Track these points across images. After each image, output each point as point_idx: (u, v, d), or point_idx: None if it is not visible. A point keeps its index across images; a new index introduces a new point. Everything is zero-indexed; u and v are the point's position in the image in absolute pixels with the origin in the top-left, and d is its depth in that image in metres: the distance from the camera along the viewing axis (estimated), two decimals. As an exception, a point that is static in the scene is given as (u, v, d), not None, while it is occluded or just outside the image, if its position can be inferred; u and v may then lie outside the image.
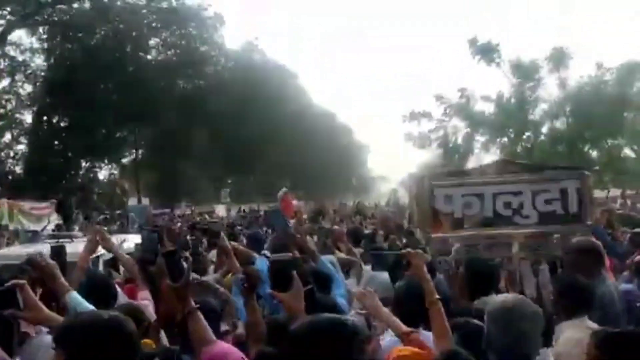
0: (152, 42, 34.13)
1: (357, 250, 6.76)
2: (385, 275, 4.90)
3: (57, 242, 7.53)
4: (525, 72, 20.91)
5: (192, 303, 2.66)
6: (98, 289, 3.68)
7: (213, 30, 34.80)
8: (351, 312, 4.09)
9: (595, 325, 3.60)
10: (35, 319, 2.72)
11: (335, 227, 8.54)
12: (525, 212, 5.60)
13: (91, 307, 2.95)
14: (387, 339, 3.47)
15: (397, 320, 3.29)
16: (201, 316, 2.66)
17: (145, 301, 3.87)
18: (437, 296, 3.19)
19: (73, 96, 29.10)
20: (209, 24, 34.34)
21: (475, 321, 3.37)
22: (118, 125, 33.21)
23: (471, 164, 26.59)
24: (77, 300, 2.95)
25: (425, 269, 3.32)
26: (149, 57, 33.87)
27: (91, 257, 6.18)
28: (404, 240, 7.84)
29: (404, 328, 3.21)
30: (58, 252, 4.28)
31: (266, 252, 5.12)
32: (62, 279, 3.03)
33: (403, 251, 3.43)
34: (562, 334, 3.68)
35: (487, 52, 20.62)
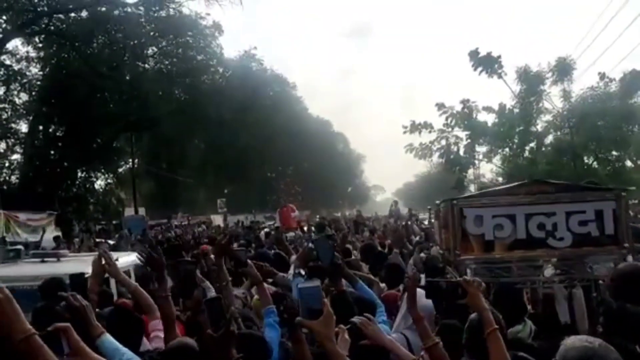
0: (149, 51, 33.89)
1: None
2: (430, 305, 4.67)
3: (43, 260, 7.24)
4: (529, 83, 20.81)
5: (235, 354, 2.48)
6: (127, 324, 3.42)
7: (211, 39, 34.67)
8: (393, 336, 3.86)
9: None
10: None
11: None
12: (559, 234, 5.38)
13: (127, 352, 2.72)
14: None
15: (402, 349, 3.21)
16: None
17: (157, 332, 3.61)
18: (497, 325, 3.04)
19: (69, 105, 28.83)
20: (207, 33, 34.21)
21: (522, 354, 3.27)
22: (114, 134, 32.98)
23: (472, 175, 26.67)
24: (112, 345, 2.72)
25: (482, 297, 3.17)
26: (146, 66, 33.59)
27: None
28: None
29: (411, 357, 3.14)
30: (80, 283, 3.91)
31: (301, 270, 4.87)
32: (95, 321, 2.79)
33: (459, 279, 3.24)
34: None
35: (488, 63, 20.49)
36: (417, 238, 11.28)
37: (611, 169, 20.98)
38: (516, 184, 5.92)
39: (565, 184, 5.91)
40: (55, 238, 17.01)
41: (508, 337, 3.88)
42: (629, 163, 23.21)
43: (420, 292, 4.61)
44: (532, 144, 22.41)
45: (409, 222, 15.34)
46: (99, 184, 36.56)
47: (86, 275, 4.07)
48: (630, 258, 5.35)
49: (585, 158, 21.89)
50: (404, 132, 21.05)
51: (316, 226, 14.20)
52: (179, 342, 3.04)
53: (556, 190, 5.56)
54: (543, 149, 22.26)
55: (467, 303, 3.22)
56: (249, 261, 4.46)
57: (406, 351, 3.20)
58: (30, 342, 1.97)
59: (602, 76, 21.49)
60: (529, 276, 5.57)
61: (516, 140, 21.90)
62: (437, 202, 6.53)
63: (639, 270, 4.34)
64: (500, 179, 25.19)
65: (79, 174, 33.25)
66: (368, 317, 3.32)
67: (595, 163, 21.55)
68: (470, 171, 25.24)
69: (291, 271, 5.17)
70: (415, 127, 21.12)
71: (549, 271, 5.56)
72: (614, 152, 21.83)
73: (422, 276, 6.30)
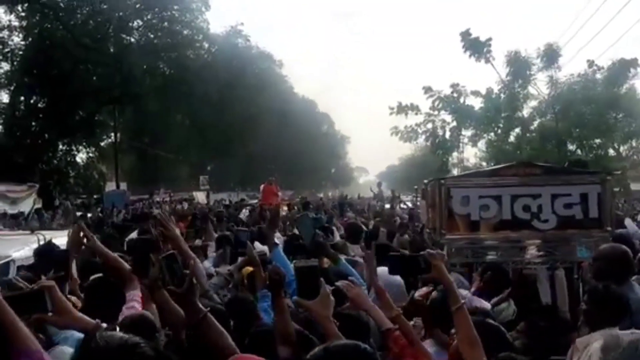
0: (134, 24, 33.43)
1: (356, 248, 6.55)
2: (400, 280, 4.71)
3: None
4: (517, 68, 20.85)
5: (202, 308, 2.44)
6: (108, 293, 3.40)
7: (198, 14, 34.24)
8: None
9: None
10: (65, 323, 2.51)
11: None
12: (544, 216, 5.43)
13: None
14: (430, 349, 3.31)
15: (383, 315, 3.16)
16: (216, 322, 2.44)
17: (134, 303, 3.56)
18: (463, 300, 2.92)
19: (51, 76, 28.40)
20: (193, 8, 33.79)
21: (491, 321, 3.28)
22: (97, 107, 32.61)
23: (455, 159, 26.81)
24: None
25: (446, 271, 3.04)
26: (131, 39, 33.14)
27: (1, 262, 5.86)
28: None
29: (389, 324, 3.08)
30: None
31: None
32: None
33: (422, 252, 3.09)
34: (595, 342, 3.50)
35: (477, 47, 20.46)
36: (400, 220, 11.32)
37: (593, 156, 21.15)
38: (503, 165, 5.97)
39: (552, 167, 5.96)
40: (37, 210, 16.82)
41: (493, 316, 3.94)
42: (611, 151, 23.45)
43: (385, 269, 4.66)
44: (517, 130, 22.51)
45: (394, 205, 15.45)
46: (81, 157, 36.23)
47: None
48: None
49: (569, 144, 22.05)
50: (391, 114, 20.98)
51: (300, 205, 14.16)
52: (140, 314, 3.03)
53: (543, 173, 5.60)
54: (528, 134, 22.36)
55: (433, 277, 3.09)
56: (248, 244, 4.48)
57: (385, 317, 3.13)
58: None
59: (591, 64, 21.59)
60: (513, 257, 5.66)
61: (501, 125, 21.98)
62: (425, 181, 6.55)
63: (620, 251, 4.41)
64: (484, 163, 25.32)
65: (60, 147, 32.86)
66: (352, 281, 3.34)
67: (579, 150, 21.73)
68: (455, 154, 25.31)
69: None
70: (401, 109, 21.04)
71: (532, 252, 5.63)
72: (597, 140, 22.02)
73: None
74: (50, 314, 2.40)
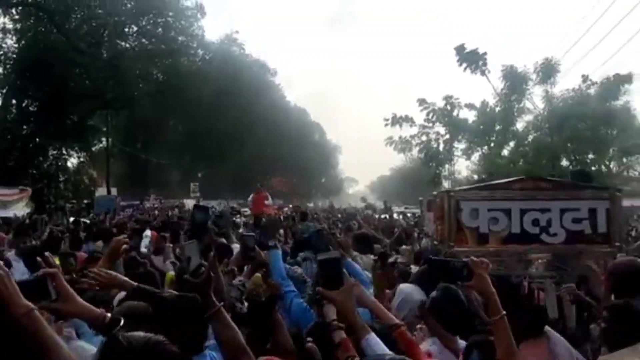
0: (129, 29, 33.35)
1: (365, 258, 6.52)
2: (418, 295, 4.66)
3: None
4: (513, 82, 20.99)
5: (216, 302, 2.47)
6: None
7: (193, 20, 34.24)
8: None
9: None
10: (70, 311, 2.40)
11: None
12: (553, 230, 5.45)
13: None
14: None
15: (385, 310, 3.15)
16: (229, 317, 2.50)
17: None
18: (504, 312, 2.85)
19: (44, 80, 28.22)
20: (188, 14, 33.78)
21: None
22: (90, 112, 32.43)
23: (447, 171, 26.88)
24: None
25: (489, 280, 2.95)
26: (125, 44, 33.06)
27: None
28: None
29: (393, 320, 3.05)
30: None
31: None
32: None
33: (466, 259, 3.01)
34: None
35: (473, 59, 20.57)
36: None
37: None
38: (513, 179, 5.98)
39: (561, 181, 5.99)
40: (30, 215, 16.49)
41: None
42: (604, 168, 23.56)
43: (412, 288, 4.64)
44: (512, 143, 22.63)
45: (387, 215, 15.45)
46: (72, 161, 35.95)
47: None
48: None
49: (563, 159, 22.17)
50: (385, 125, 21.08)
51: (299, 215, 14.09)
52: (133, 304, 3.01)
53: (552, 187, 5.62)
54: (521, 149, 22.47)
55: (474, 286, 3.01)
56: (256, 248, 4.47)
57: (390, 315, 3.12)
58: (31, 316, 1.97)
59: (585, 78, 21.77)
60: (519, 270, 5.66)
61: (495, 139, 22.10)
62: (434, 193, 6.55)
63: (636, 265, 4.41)
64: (475, 176, 25.41)
65: (51, 151, 32.61)
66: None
67: (571, 165, 21.84)
68: (447, 167, 25.38)
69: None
70: (396, 120, 21.14)
71: (539, 266, 5.63)
72: (591, 155, 22.15)
73: (413, 266, 6.33)
74: (53, 302, 2.30)
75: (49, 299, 2.27)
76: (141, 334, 1.86)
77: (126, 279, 3.22)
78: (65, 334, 3.04)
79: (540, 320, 4.07)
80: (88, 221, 15.47)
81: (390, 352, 2.62)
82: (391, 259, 5.83)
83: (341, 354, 2.66)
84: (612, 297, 4.25)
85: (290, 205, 28.65)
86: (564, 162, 21.99)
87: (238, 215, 16.34)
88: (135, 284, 3.27)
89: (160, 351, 1.79)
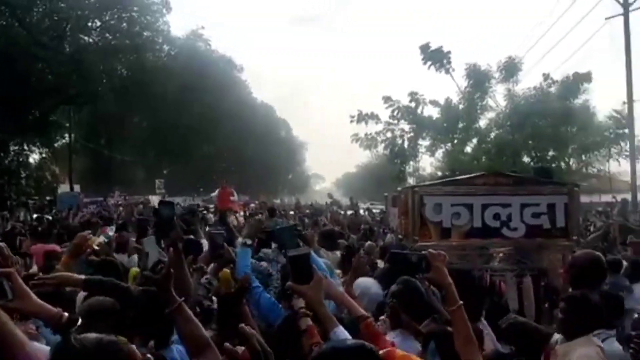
0: (92, 24, 32.78)
1: (332, 254, 6.59)
2: (376, 289, 4.76)
3: None
4: (477, 80, 21.32)
5: (177, 297, 2.46)
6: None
7: (159, 16, 33.83)
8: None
9: (599, 342, 3.60)
10: (27, 309, 2.40)
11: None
12: (514, 225, 5.62)
13: None
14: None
15: (354, 303, 3.17)
16: (190, 312, 2.48)
17: None
18: (460, 302, 2.94)
19: (5, 74, 27.57)
20: (154, 10, 33.37)
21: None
22: (52, 107, 31.79)
23: (412, 167, 27.16)
24: None
25: (446, 272, 3.01)
26: (89, 39, 32.49)
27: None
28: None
29: (361, 312, 3.04)
30: None
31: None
32: None
33: (424, 252, 3.09)
34: (574, 352, 3.62)
35: (437, 58, 20.85)
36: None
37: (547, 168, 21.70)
38: (475, 174, 6.12)
39: (522, 177, 6.15)
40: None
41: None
42: (563, 165, 24.11)
43: (369, 281, 4.74)
44: (475, 140, 22.99)
45: (354, 211, 15.58)
46: (34, 157, 35.25)
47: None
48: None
49: (524, 156, 22.61)
50: (351, 122, 21.26)
51: (267, 211, 14.08)
52: (97, 300, 3.04)
53: (513, 183, 5.79)
54: (484, 145, 22.84)
55: (431, 277, 3.10)
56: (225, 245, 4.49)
57: (357, 306, 3.12)
58: None
59: (546, 77, 22.21)
60: (480, 263, 5.81)
61: (459, 136, 22.43)
62: (398, 189, 6.67)
63: (594, 259, 4.57)
64: (439, 173, 25.73)
65: (12, 147, 31.91)
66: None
67: (532, 162, 22.27)
68: (412, 163, 25.66)
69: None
70: (362, 118, 21.32)
71: (498, 259, 5.79)
72: (551, 152, 22.64)
73: (379, 261, 6.44)
74: (9, 301, 2.30)
75: (5, 299, 2.28)
76: (94, 335, 1.84)
77: (73, 274, 3.35)
78: (30, 331, 3.01)
79: (479, 307, 4.24)
80: (51, 217, 15.24)
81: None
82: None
83: (307, 340, 2.71)
84: (570, 289, 4.40)
85: (257, 202, 28.53)
86: (525, 159, 22.45)
87: (205, 212, 16.21)
88: (83, 276, 3.30)
89: (113, 351, 1.77)
